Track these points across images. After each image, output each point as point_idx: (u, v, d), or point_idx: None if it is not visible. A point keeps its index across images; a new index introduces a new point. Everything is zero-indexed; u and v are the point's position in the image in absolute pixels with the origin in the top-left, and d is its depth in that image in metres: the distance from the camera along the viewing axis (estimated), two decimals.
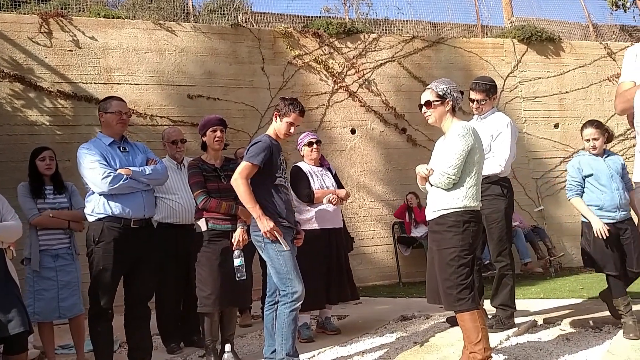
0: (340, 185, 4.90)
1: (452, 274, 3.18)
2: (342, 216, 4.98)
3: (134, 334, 3.80)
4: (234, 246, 3.81)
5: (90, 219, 3.68)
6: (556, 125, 9.28)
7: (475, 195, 3.30)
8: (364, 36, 8.53)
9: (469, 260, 3.22)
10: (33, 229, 4.09)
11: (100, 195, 3.63)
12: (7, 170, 6.49)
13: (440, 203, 3.28)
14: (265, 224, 3.44)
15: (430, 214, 3.36)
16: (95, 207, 3.65)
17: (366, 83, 8.40)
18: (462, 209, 3.24)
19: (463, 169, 3.24)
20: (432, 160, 3.43)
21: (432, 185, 3.34)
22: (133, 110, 7.09)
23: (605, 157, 4.24)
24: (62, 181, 4.27)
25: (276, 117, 3.70)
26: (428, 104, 3.36)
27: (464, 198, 3.24)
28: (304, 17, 8.71)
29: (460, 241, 3.21)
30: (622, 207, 4.14)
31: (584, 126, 4.28)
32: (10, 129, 6.67)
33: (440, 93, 3.34)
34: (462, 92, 3.43)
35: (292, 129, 3.67)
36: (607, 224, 4.07)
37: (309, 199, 4.54)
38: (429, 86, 3.43)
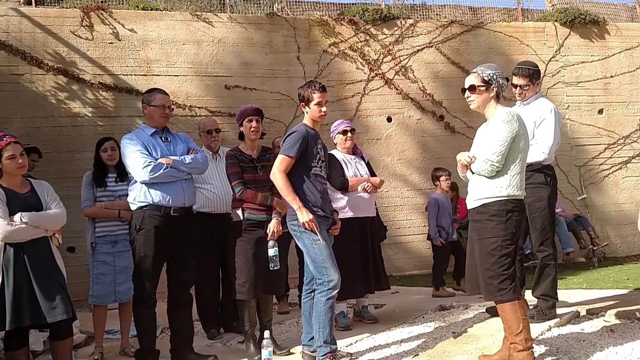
0: (373, 174, 4.87)
1: (494, 263, 3.12)
2: (376, 205, 4.95)
3: (176, 320, 3.88)
4: (269, 237, 3.85)
5: (133, 207, 3.78)
6: (600, 111, 8.98)
7: (520, 183, 3.21)
8: (401, 22, 8.42)
9: (511, 251, 3.16)
10: (90, 219, 4.29)
11: (141, 183, 3.71)
12: (53, 161, 6.70)
13: (482, 191, 3.20)
14: (304, 216, 3.46)
15: (471, 202, 3.28)
16: (137, 196, 3.74)
17: (403, 70, 8.30)
18: (506, 198, 3.16)
19: (507, 156, 3.15)
20: (474, 147, 3.35)
21: (473, 173, 3.27)
22: (172, 101, 7.18)
23: None
24: (125, 169, 4.39)
25: (303, 106, 3.71)
26: (472, 88, 3.26)
27: (508, 186, 3.17)
28: (339, 4, 8.67)
29: (502, 230, 3.14)
30: None
31: None
32: (55, 121, 6.89)
33: (486, 78, 3.24)
34: (507, 79, 3.34)
35: (323, 109, 3.65)
36: None
37: (343, 186, 4.52)
38: (474, 70, 3.33)
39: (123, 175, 4.29)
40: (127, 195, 4.17)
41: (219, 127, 4.89)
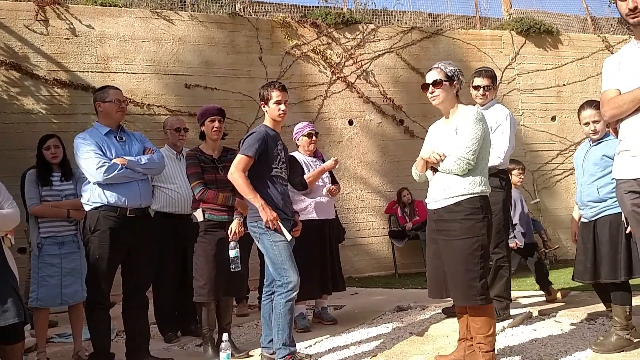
0: (333, 177, 4.90)
1: (476, 264, 3.02)
2: (335, 207, 4.98)
3: (132, 323, 3.80)
4: (230, 238, 3.82)
5: (87, 208, 3.68)
6: (553, 118, 9.29)
7: (487, 181, 3.19)
8: (363, 27, 8.50)
9: (487, 250, 3.13)
10: (33, 218, 4.11)
11: (95, 184, 3.62)
12: (3, 159, 6.47)
13: (454, 189, 3.10)
14: (268, 213, 3.44)
15: (439, 201, 3.16)
16: (91, 196, 3.65)
17: (364, 74, 8.38)
18: (479, 195, 3.11)
19: (477, 155, 3.11)
20: (433, 144, 3.26)
21: (437, 172, 3.18)
22: (130, 99, 7.06)
23: (595, 145, 3.70)
24: (70, 168, 4.26)
25: (263, 105, 3.71)
26: (438, 83, 3.18)
27: (480, 183, 3.12)
28: (302, 6, 8.67)
29: (481, 229, 3.07)
30: (590, 203, 3.63)
31: (582, 107, 3.78)
32: (6, 117, 6.64)
33: (449, 74, 3.20)
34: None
35: (282, 107, 3.64)
36: (583, 222, 3.76)
37: (303, 186, 4.53)
38: (435, 66, 3.27)
39: (68, 174, 4.18)
40: (73, 194, 4.07)
41: (186, 127, 4.83)
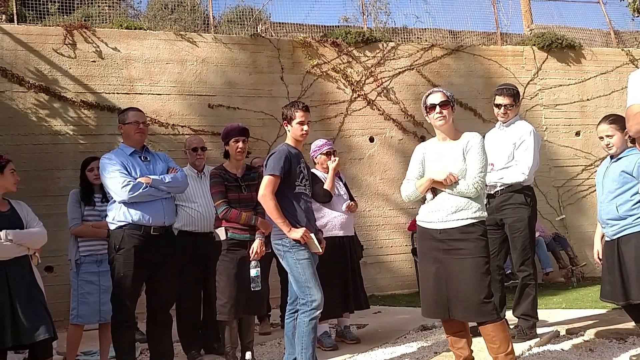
0: (350, 194, 4.90)
1: (488, 284, 3.13)
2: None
3: (156, 341, 3.83)
4: (251, 257, 3.84)
5: (112, 226, 3.74)
6: (577, 133, 9.18)
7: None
8: (383, 45, 8.55)
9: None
10: (73, 236, 4.22)
11: (120, 203, 3.69)
12: (32, 179, 6.62)
13: (467, 212, 3.17)
14: (296, 233, 3.47)
15: (449, 222, 3.19)
16: (116, 215, 3.71)
17: (385, 91, 8.41)
18: (484, 218, 3.26)
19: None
20: (436, 166, 3.28)
21: (438, 193, 3.25)
22: (155, 120, 7.19)
23: (615, 161, 3.58)
24: None
25: (286, 125, 3.74)
26: (446, 103, 3.26)
27: (483, 209, 3.25)
28: (322, 26, 8.77)
29: (488, 251, 3.23)
30: (610, 221, 3.53)
31: (599, 122, 3.68)
32: (35, 139, 6.81)
33: (450, 98, 3.31)
34: None
35: (304, 127, 3.67)
36: (606, 241, 3.64)
37: (328, 198, 4.52)
38: (436, 90, 3.35)
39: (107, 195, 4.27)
40: None
41: (204, 145, 4.89)
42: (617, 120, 3.58)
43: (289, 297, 3.81)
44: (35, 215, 3.57)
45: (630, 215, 3.42)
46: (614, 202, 3.50)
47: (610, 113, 3.81)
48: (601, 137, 3.63)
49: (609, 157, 3.69)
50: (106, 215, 3.99)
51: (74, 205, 4.26)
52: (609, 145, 3.58)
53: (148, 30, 7.60)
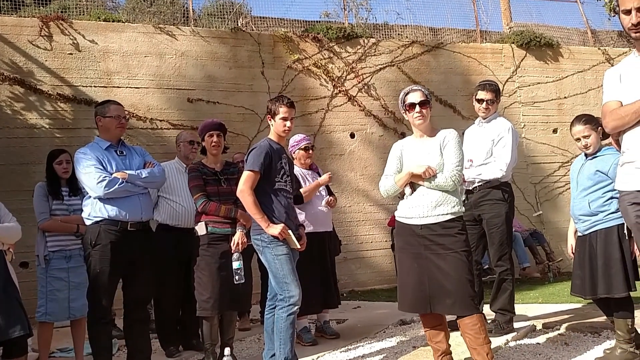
0: (329, 189, 4.91)
1: (472, 277, 3.19)
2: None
3: (133, 338, 3.79)
4: (233, 249, 3.81)
5: (88, 222, 3.68)
6: (554, 131, 9.30)
7: None
8: (364, 41, 8.55)
9: None
10: (40, 231, 4.12)
11: (96, 199, 3.63)
12: (6, 173, 6.49)
13: (446, 207, 3.20)
14: (275, 229, 3.46)
15: (430, 217, 3.20)
16: (92, 211, 3.65)
17: (365, 87, 8.42)
18: (462, 214, 3.30)
19: None
20: (414, 161, 3.28)
21: (416, 189, 3.26)
22: (133, 113, 7.10)
23: (590, 159, 3.65)
24: (77, 183, 4.27)
25: (269, 119, 3.72)
26: (425, 103, 3.29)
27: (460, 204, 3.29)
28: (303, 21, 8.74)
29: (469, 245, 3.27)
30: (582, 217, 3.61)
31: (572, 124, 3.72)
32: (10, 132, 6.67)
33: (428, 97, 3.33)
34: None
35: (287, 123, 3.65)
36: (579, 236, 3.73)
37: (298, 200, 4.53)
38: (415, 88, 3.36)
39: (75, 189, 4.19)
40: (81, 210, 4.06)
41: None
42: (590, 120, 3.65)
43: (268, 293, 3.80)
44: (8, 211, 3.49)
45: (602, 212, 3.50)
46: (587, 198, 3.58)
47: (581, 113, 3.87)
48: (577, 139, 3.68)
49: (583, 154, 3.75)
50: (74, 210, 3.92)
51: (41, 199, 4.13)
52: (587, 146, 3.63)
53: (126, 23, 7.48)
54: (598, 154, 3.61)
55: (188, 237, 4.21)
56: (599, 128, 3.59)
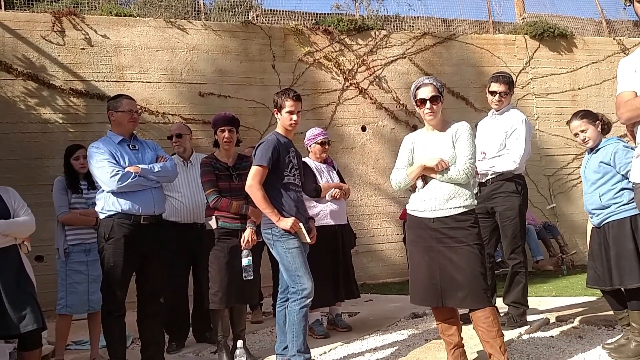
0: (341, 177, 4.91)
1: (485, 270, 3.17)
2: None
3: (146, 330, 3.82)
4: (243, 246, 3.83)
5: (101, 216, 3.71)
6: (568, 122, 9.19)
7: None
8: (375, 33, 8.50)
9: None
10: (60, 224, 4.16)
11: (109, 193, 3.65)
12: (21, 168, 6.56)
13: (459, 200, 3.18)
14: (286, 224, 3.46)
15: (442, 210, 3.18)
16: (105, 205, 3.67)
17: (377, 80, 8.38)
18: (474, 207, 3.28)
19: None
20: (426, 154, 3.26)
21: (428, 182, 3.24)
22: (145, 108, 7.14)
23: (594, 153, 3.68)
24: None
25: (276, 112, 3.71)
26: (437, 99, 3.25)
27: (473, 197, 3.27)
28: (314, 14, 8.71)
29: (481, 238, 3.26)
30: (595, 211, 3.61)
31: (569, 121, 3.78)
32: (24, 127, 6.74)
33: (440, 90, 3.28)
34: None
35: (294, 117, 3.63)
36: (594, 229, 3.69)
37: (317, 193, 4.53)
38: (426, 81, 3.29)
39: (94, 183, 4.22)
40: None
41: (181, 133, 4.77)
42: (587, 115, 3.73)
43: (280, 286, 3.81)
44: (24, 203, 3.52)
45: (614, 204, 3.50)
46: (597, 192, 3.59)
47: (579, 109, 3.94)
48: (576, 134, 3.74)
49: (588, 150, 3.77)
50: (93, 204, 3.95)
51: (60, 193, 4.18)
52: (585, 140, 3.69)
53: (138, 18, 7.51)
54: (600, 146, 3.65)
55: (188, 233, 4.21)
56: (597, 122, 3.68)
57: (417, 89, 3.30)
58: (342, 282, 4.63)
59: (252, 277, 3.79)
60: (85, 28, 7.14)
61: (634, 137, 2.81)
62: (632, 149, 3.12)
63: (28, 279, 3.37)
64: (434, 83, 3.29)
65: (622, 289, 3.54)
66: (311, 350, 3.61)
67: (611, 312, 4.38)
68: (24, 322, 3.16)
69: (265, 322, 5.33)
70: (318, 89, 8.07)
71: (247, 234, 3.86)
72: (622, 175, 3.47)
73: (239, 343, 3.64)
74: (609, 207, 3.52)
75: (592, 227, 3.75)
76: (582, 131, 3.68)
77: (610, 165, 3.53)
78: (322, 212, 4.59)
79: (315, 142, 4.75)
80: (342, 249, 4.69)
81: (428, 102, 3.23)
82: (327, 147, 4.78)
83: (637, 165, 2.75)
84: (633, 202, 3.18)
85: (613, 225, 3.52)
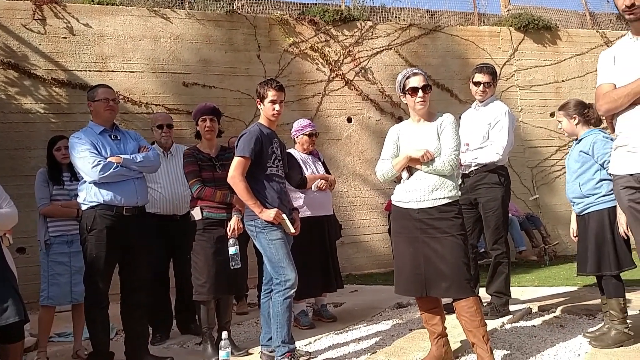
0: (326, 168, 4.91)
1: (468, 260, 3.20)
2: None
3: (130, 322, 3.80)
4: (229, 235, 3.81)
5: (83, 207, 3.68)
6: (552, 114, 9.27)
7: None
8: (361, 24, 8.48)
9: None
10: (42, 216, 4.13)
11: (91, 183, 3.62)
12: (2, 158, 6.47)
13: (443, 190, 3.19)
14: (268, 214, 3.45)
15: (427, 201, 3.19)
16: (87, 196, 3.64)
17: (362, 71, 8.37)
18: (458, 198, 3.29)
19: None
20: (411, 146, 3.26)
21: (413, 173, 3.24)
22: (128, 97, 7.06)
23: (577, 142, 3.77)
24: None
25: (259, 103, 3.70)
26: (428, 88, 3.26)
27: (456, 188, 3.28)
28: (299, 4, 8.65)
29: (465, 229, 3.28)
30: (575, 199, 3.70)
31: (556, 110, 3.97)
32: (5, 117, 6.63)
33: (428, 81, 3.30)
34: None
35: (276, 107, 3.62)
36: (578, 217, 3.77)
37: (302, 184, 4.52)
38: (415, 71, 3.29)
39: (76, 174, 4.18)
40: None
41: (171, 123, 4.73)
42: (563, 107, 3.88)
43: (264, 277, 3.81)
44: (7, 195, 3.46)
45: (593, 194, 3.59)
46: (577, 181, 3.68)
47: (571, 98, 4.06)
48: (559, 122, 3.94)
49: (575, 140, 3.86)
50: (76, 195, 3.91)
51: (42, 185, 4.15)
52: (561, 130, 3.90)
53: (121, 6, 7.40)
54: (583, 136, 3.74)
55: (168, 224, 4.18)
56: (574, 115, 3.77)
57: (407, 78, 3.28)
58: (328, 273, 4.63)
59: (239, 266, 3.78)
60: (66, 16, 7.02)
61: (613, 129, 2.84)
62: (612, 139, 3.16)
63: (10, 271, 3.32)
64: (423, 73, 3.31)
65: (600, 277, 3.61)
66: (296, 341, 3.62)
67: (592, 302, 4.47)
68: (6, 315, 3.12)
69: (251, 313, 5.34)
70: (304, 79, 8.04)
71: (233, 222, 3.84)
72: (600, 165, 3.56)
73: (224, 334, 3.63)
74: (588, 197, 3.61)
75: (575, 214, 3.82)
76: (560, 122, 3.88)
77: (589, 154, 3.61)
78: (306, 203, 4.58)
79: (302, 134, 4.73)
80: (328, 240, 4.70)
81: (420, 90, 3.23)
82: (314, 138, 4.77)
83: (616, 157, 2.78)
84: (612, 193, 3.23)
85: (592, 216, 3.60)
